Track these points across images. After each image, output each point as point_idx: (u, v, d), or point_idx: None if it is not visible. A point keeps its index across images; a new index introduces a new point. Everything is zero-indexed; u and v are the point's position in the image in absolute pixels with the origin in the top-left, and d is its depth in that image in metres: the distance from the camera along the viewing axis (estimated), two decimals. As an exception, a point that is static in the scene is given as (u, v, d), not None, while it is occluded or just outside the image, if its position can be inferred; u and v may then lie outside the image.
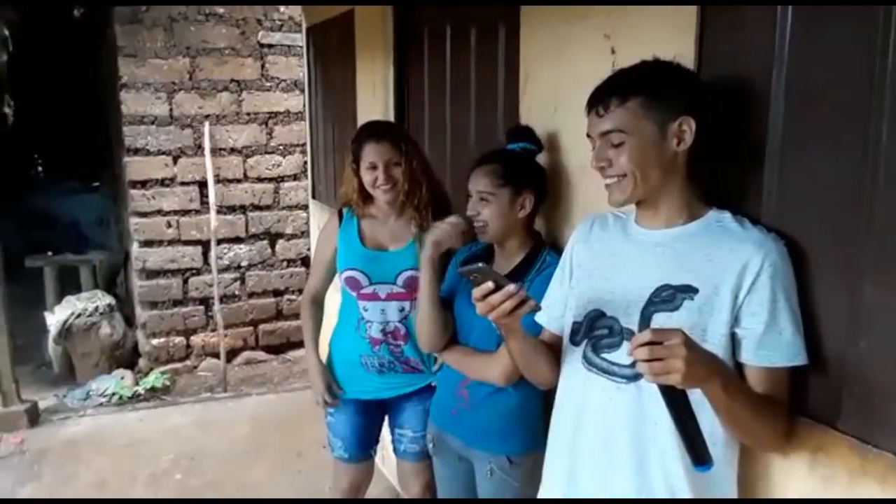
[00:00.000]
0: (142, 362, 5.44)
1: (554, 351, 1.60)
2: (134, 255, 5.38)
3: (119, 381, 4.98)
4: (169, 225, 5.36)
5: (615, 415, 1.39)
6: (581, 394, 1.47)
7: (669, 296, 1.33)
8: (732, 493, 1.38)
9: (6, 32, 4.06)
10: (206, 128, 5.13)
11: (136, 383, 5.01)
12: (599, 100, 1.38)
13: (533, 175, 1.94)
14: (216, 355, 5.29)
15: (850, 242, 1.23)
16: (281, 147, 5.59)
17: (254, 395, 4.99)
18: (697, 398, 1.20)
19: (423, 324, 2.02)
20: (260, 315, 5.71)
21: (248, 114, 5.47)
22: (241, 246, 5.59)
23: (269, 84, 5.50)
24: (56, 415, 4.58)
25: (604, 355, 1.42)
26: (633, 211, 1.48)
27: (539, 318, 1.62)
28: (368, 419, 2.49)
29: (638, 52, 1.46)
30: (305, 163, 5.26)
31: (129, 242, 5.52)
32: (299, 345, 5.40)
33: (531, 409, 1.90)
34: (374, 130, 2.34)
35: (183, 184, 5.36)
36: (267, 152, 5.57)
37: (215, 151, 5.29)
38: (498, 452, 1.95)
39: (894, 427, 1.19)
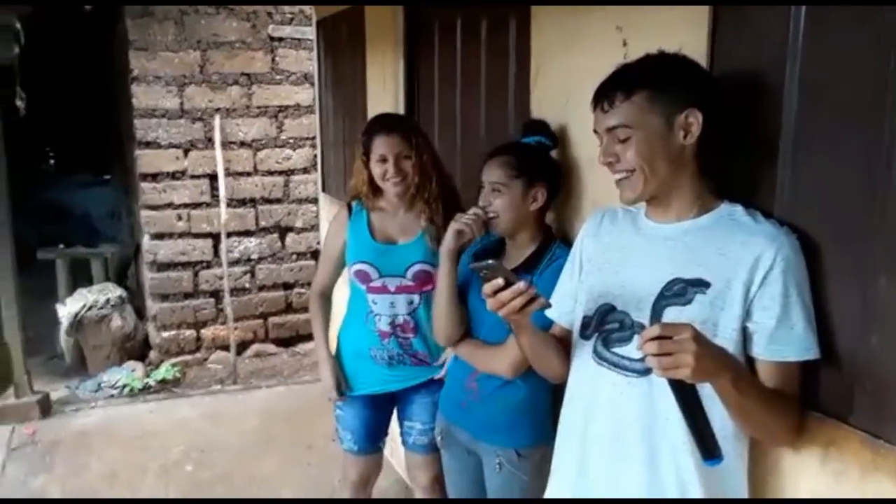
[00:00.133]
0: (152, 354, 5.47)
1: (564, 345, 1.60)
2: (145, 248, 5.41)
3: (130, 373, 5.02)
4: (179, 218, 5.38)
5: (626, 409, 1.39)
6: (591, 388, 1.47)
7: (681, 290, 1.32)
8: (743, 488, 1.38)
9: (18, 26, 4.08)
10: (217, 121, 5.15)
11: (147, 375, 5.04)
12: (604, 95, 1.38)
13: (546, 169, 1.93)
14: (226, 348, 5.32)
15: (863, 237, 1.22)
16: (291, 140, 5.60)
17: (264, 387, 5.01)
18: (708, 392, 1.19)
19: (441, 317, 2.02)
20: (270, 308, 5.73)
21: (259, 107, 5.48)
22: (252, 239, 5.61)
23: (279, 77, 5.50)
24: (68, 406, 4.62)
25: (615, 349, 1.42)
26: (643, 204, 1.48)
27: (549, 312, 1.61)
28: (377, 412, 2.50)
29: (650, 44, 1.45)
30: (315, 156, 5.26)
31: (140, 235, 5.54)
32: (309, 338, 5.42)
33: (540, 403, 1.90)
34: (385, 123, 2.34)
35: (193, 177, 5.37)
36: (277, 146, 5.58)
37: (226, 145, 5.31)
38: (506, 446, 1.95)
39: (907, 422, 1.19)
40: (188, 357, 5.45)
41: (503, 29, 2.34)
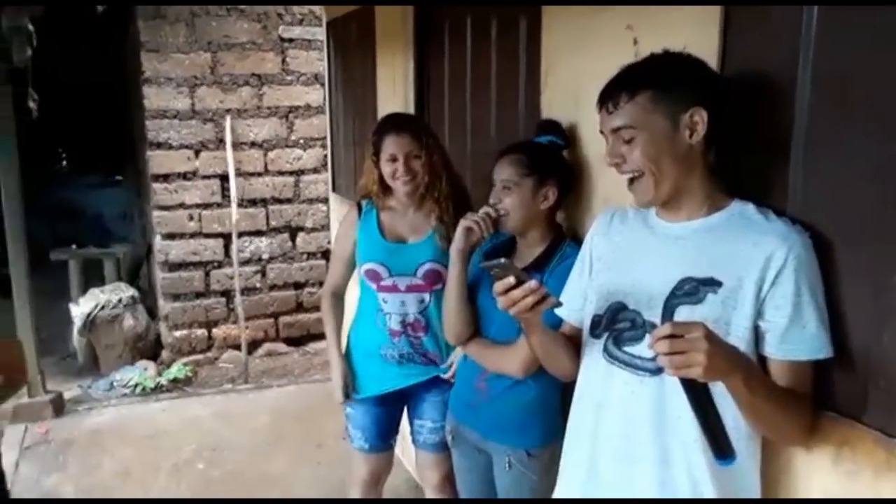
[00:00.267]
0: (164, 354, 5.50)
1: (574, 343, 1.60)
2: (157, 248, 5.44)
3: (142, 373, 5.05)
4: (191, 218, 5.40)
5: (638, 408, 1.39)
6: (602, 386, 1.46)
7: (693, 289, 1.32)
8: (755, 487, 1.37)
9: (31, 28, 4.10)
10: (228, 122, 5.17)
11: (159, 374, 5.07)
12: (609, 96, 1.38)
13: (558, 168, 1.93)
14: (237, 347, 5.34)
15: (876, 234, 1.21)
16: (301, 141, 5.62)
17: (274, 386, 5.03)
18: (720, 391, 1.19)
19: (451, 316, 2.02)
20: (280, 307, 5.75)
21: (269, 108, 5.50)
22: (262, 239, 5.63)
23: (289, 78, 5.52)
24: (81, 405, 4.65)
25: (626, 348, 1.42)
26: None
27: (559, 310, 1.61)
28: (388, 410, 2.50)
29: (661, 43, 1.45)
30: (326, 156, 5.28)
31: (152, 235, 5.57)
32: (320, 337, 5.43)
33: (549, 403, 1.90)
34: (395, 123, 2.35)
35: (205, 177, 5.40)
36: (287, 146, 5.60)
37: (236, 145, 5.33)
38: (516, 445, 1.95)
39: (921, 422, 1.18)
40: (199, 356, 5.48)
41: (513, 29, 2.34)
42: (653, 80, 1.34)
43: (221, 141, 5.32)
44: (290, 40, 5.49)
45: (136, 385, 4.90)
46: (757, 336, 1.30)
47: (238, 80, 5.39)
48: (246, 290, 5.47)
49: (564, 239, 1.94)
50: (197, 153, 5.36)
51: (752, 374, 1.22)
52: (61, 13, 5.20)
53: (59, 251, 6.17)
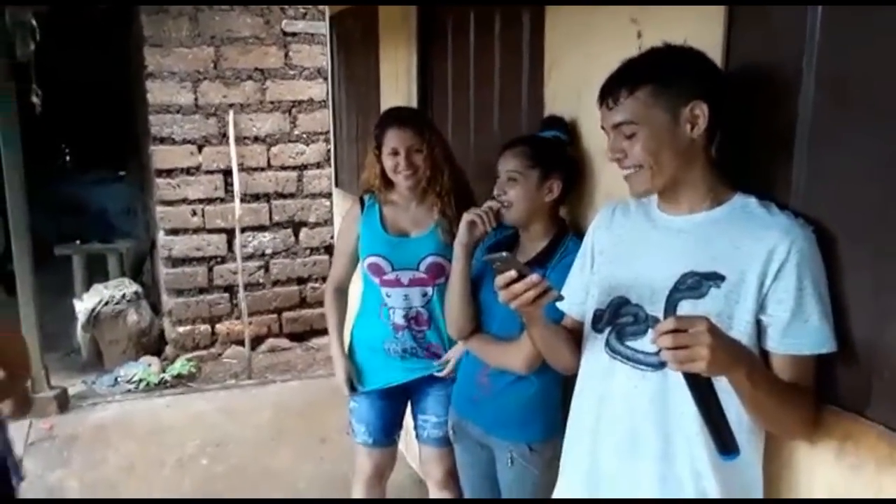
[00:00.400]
0: (168, 349, 5.51)
1: (575, 337, 1.60)
2: (160, 244, 5.44)
3: (146, 368, 5.06)
4: (194, 213, 5.40)
5: (640, 402, 1.38)
6: (604, 381, 1.46)
7: (695, 283, 1.32)
8: (758, 480, 1.37)
9: (34, 23, 4.11)
10: (231, 116, 5.17)
11: (163, 370, 5.08)
12: (609, 92, 1.38)
13: (562, 162, 1.93)
14: (241, 343, 5.35)
15: (881, 228, 1.21)
16: (304, 135, 5.61)
17: (278, 382, 5.04)
18: (723, 386, 1.19)
19: (454, 311, 2.02)
20: (284, 303, 5.76)
21: (272, 102, 5.49)
22: (266, 234, 5.63)
23: (292, 72, 5.52)
24: (85, 401, 4.67)
25: (629, 343, 1.41)
26: (655, 197, 1.47)
27: (560, 304, 1.61)
28: (392, 404, 2.50)
29: (665, 36, 1.44)
30: (329, 151, 5.28)
31: (156, 231, 5.58)
32: (323, 332, 5.43)
33: (551, 398, 1.90)
34: (397, 117, 2.35)
35: (208, 172, 5.40)
36: (290, 141, 5.59)
37: (239, 140, 5.33)
38: (519, 440, 1.95)
39: (925, 415, 1.18)
40: (203, 352, 5.49)
41: (516, 23, 2.33)
42: (652, 75, 1.34)
43: (224, 136, 5.31)
44: (293, 35, 5.48)
45: (139, 381, 4.91)
46: (759, 330, 1.29)
47: (241, 74, 5.39)
48: (249, 286, 5.47)
49: (567, 233, 1.94)
50: (200, 148, 5.36)
51: (755, 368, 1.21)
52: (65, 9, 5.20)
53: (62, 247, 6.19)
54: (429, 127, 2.35)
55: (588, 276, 1.58)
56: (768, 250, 1.26)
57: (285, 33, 5.46)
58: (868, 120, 1.22)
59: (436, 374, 2.38)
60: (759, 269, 1.26)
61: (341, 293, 2.57)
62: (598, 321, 1.49)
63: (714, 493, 1.33)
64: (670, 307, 1.34)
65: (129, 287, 5.46)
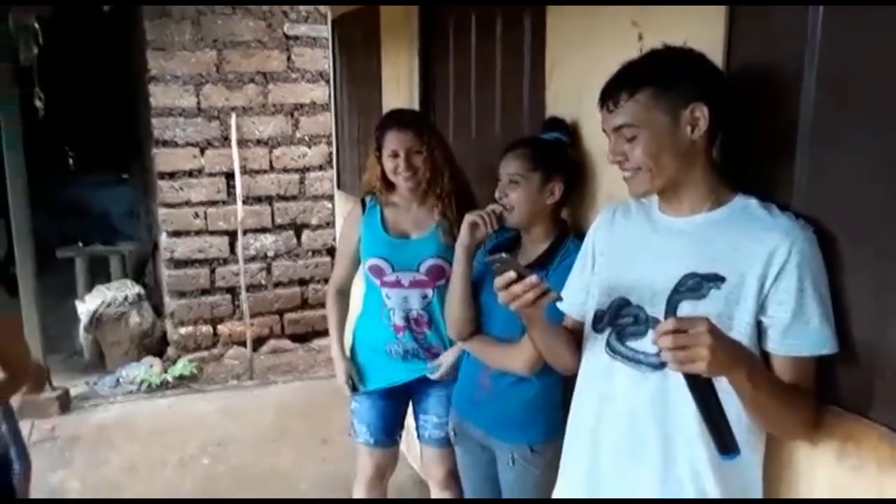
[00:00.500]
0: (170, 350, 5.51)
1: (576, 337, 1.61)
2: (162, 246, 5.45)
3: (148, 369, 5.06)
4: (196, 216, 5.41)
5: (640, 403, 1.39)
6: (604, 381, 1.47)
7: (696, 284, 1.32)
8: (758, 481, 1.37)
9: (37, 27, 4.12)
10: (233, 119, 5.18)
11: (165, 371, 5.08)
12: (609, 95, 1.38)
13: (564, 164, 1.94)
14: (242, 344, 5.36)
15: (883, 229, 1.21)
16: (307, 138, 5.62)
17: (279, 383, 5.04)
18: (723, 386, 1.19)
19: (454, 312, 2.03)
20: (286, 304, 5.77)
21: (274, 105, 5.51)
22: (268, 236, 5.64)
23: (294, 75, 5.53)
24: (87, 402, 4.67)
25: (629, 343, 1.42)
26: (655, 198, 1.47)
27: (561, 304, 1.62)
28: (393, 404, 2.51)
29: (666, 37, 1.44)
30: (331, 153, 5.29)
31: (158, 233, 5.59)
32: (324, 333, 5.43)
33: (552, 399, 1.90)
34: (398, 119, 2.36)
35: (210, 175, 5.41)
36: (293, 143, 5.60)
37: (242, 143, 5.34)
38: (520, 441, 1.95)
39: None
40: (205, 353, 5.50)
41: (518, 25, 2.34)
42: (652, 77, 1.34)
43: (227, 138, 5.33)
44: (296, 38, 5.49)
45: (141, 382, 4.91)
46: (760, 331, 1.30)
47: (243, 77, 5.40)
48: (251, 287, 5.48)
49: (568, 235, 1.94)
50: (202, 151, 5.37)
51: (756, 369, 1.22)
52: (67, 12, 5.21)
53: (65, 249, 6.20)
54: (429, 129, 2.35)
55: (589, 277, 1.59)
56: (769, 252, 1.26)
57: (287, 37, 5.47)
58: (869, 120, 1.23)
59: (429, 376, 2.38)
60: (760, 270, 1.26)
61: (343, 295, 2.57)
62: (599, 322, 1.49)
63: (714, 493, 1.33)
64: (671, 308, 1.34)
65: (132, 289, 5.47)
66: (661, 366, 1.33)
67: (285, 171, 5.62)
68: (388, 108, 3.25)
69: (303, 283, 5.80)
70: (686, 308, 1.32)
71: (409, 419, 2.58)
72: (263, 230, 5.62)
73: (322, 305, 5.53)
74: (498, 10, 2.48)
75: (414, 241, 2.35)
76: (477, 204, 2.26)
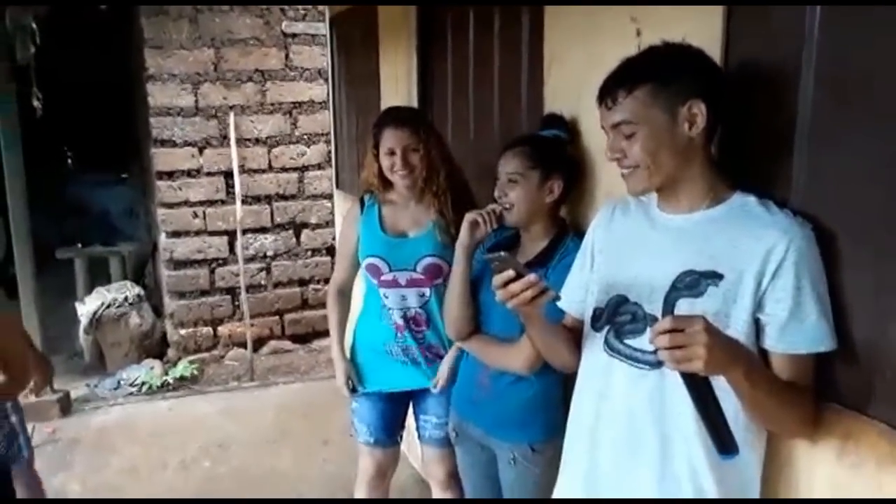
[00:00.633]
0: (170, 352, 5.51)
1: (575, 335, 1.60)
2: (162, 246, 5.45)
3: (148, 371, 5.06)
4: (196, 215, 5.41)
5: (638, 401, 1.38)
6: (602, 379, 1.46)
7: (693, 281, 1.31)
8: (757, 479, 1.37)
9: (34, 26, 4.11)
10: (232, 118, 5.17)
11: (165, 373, 5.08)
12: (608, 92, 1.38)
13: (563, 161, 1.93)
14: (243, 345, 5.35)
15: (880, 225, 1.20)
16: (305, 137, 5.62)
17: (280, 383, 5.04)
18: (721, 385, 1.18)
19: (453, 311, 2.02)
20: (286, 304, 5.76)
21: (273, 104, 5.50)
22: (267, 236, 5.63)
23: (293, 74, 5.52)
24: (87, 404, 4.67)
25: (627, 341, 1.41)
26: (654, 195, 1.47)
27: (560, 302, 1.61)
28: (394, 405, 2.50)
29: (664, 34, 1.44)
30: (330, 152, 5.28)
31: (157, 233, 5.58)
32: (325, 334, 5.43)
33: (552, 398, 1.90)
34: (395, 116, 2.35)
35: (209, 174, 5.40)
36: (291, 142, 5.59)
37: (240, 142, 5.33)
38: (520, 441, 1.94)
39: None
40: (205, 354, 5.49)
41: (516, 22, 2.33)
42: (651, 74, 1.33)
43: (225, 137, 5.32)
44: (293, 36, 5.48)
45: (142, 383, 4.91)
46: (758, 329, 1.29)
47: (241, 76, 5.39)
48: (251, 288, 5.47)
49: (568, 233, 1.93)
50: (201, 150, 5.37)
51: (753, 367, 1.21)
52: (65, 11, 5.21)
53: (64, 250, 6.19)
54: (426, 126, 2.34)
55: (588, 275, 1.58)
56: (766, 249, 1.25)
57: (285, 34, 5.46)
58: (868, 119, 1.22)
59: (431, 389, 2.38)
60: (757, 267, 1.26)
61: (343, 295, 2.57)
62: (597, 319, 1.49)
63: (712, 492, 1.32)
64: (668, 306, 1.33)
65: (131, 290, 5.47)
66: (659, 364, 1.31)
67: (284, 170, 5.61)
68: (387, 106, 3.24)
69: (303, 283, 5.79)
70: (684, 305, 1.31)
71: (410, 419, 2.57)
72: (263, 230, 5.62)
73: (322, 305, 5.52)
74: (496, 7, 2.47)
75: (411, 239, 2.35)
76: (476, 202, 2.25)
